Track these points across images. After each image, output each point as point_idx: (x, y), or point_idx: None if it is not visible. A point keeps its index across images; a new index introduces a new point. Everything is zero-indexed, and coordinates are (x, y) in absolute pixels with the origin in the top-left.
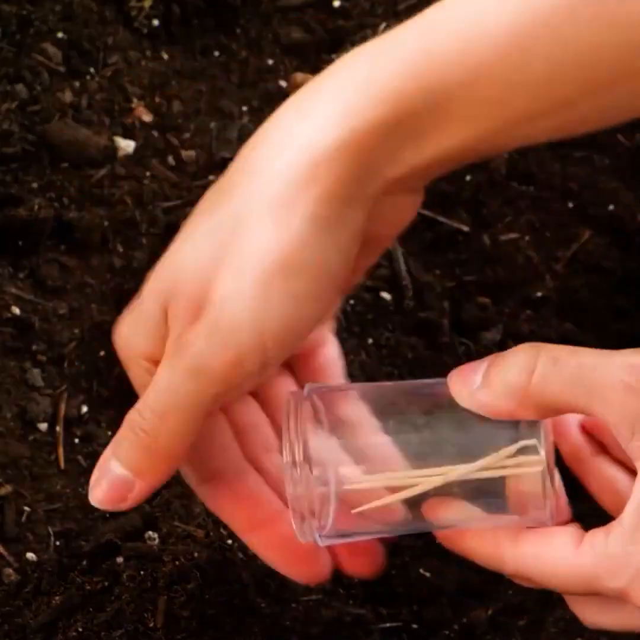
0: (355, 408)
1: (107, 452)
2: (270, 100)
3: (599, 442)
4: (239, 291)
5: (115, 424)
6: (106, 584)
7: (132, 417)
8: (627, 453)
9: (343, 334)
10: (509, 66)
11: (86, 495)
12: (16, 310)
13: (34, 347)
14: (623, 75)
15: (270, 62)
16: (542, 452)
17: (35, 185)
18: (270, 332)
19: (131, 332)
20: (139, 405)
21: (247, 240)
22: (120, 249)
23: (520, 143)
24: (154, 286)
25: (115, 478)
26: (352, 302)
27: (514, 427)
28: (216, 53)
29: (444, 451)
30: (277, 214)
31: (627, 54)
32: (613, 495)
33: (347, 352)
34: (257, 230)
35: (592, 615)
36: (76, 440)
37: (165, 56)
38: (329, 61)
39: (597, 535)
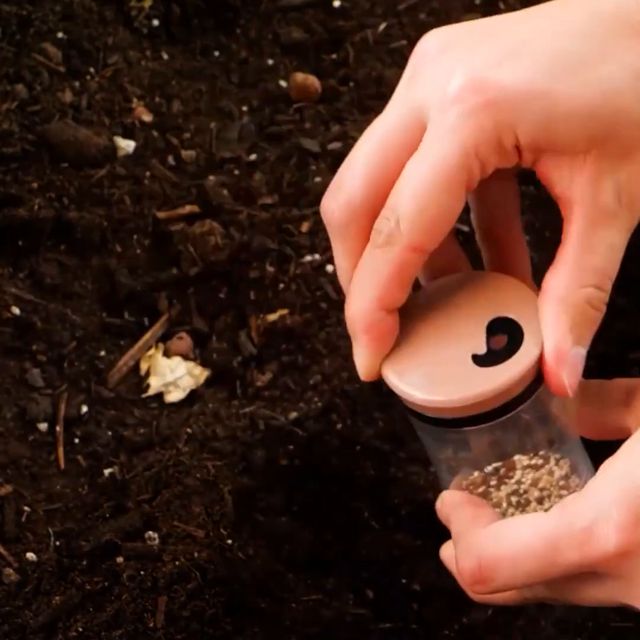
0: None
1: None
2: (270, 100)
3: None
4: None
5: (115, 424)
6: (106, 584)
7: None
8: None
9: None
10: None
11: (86, 495)
12: (16, 310)
13: (34, 347)
14: None
15: (270, 62)
16: None
17: (35, 185)
18: None
19: None
20: None
21: None
22: (120, 249)
23: None
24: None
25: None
26: None
27: None
28: (216, 53)
29: None
30: None
31: None
32: None
33: (347, 352)
34: None
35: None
36: (76, 440)
37: (165, 56)
38: (329, 61)
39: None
